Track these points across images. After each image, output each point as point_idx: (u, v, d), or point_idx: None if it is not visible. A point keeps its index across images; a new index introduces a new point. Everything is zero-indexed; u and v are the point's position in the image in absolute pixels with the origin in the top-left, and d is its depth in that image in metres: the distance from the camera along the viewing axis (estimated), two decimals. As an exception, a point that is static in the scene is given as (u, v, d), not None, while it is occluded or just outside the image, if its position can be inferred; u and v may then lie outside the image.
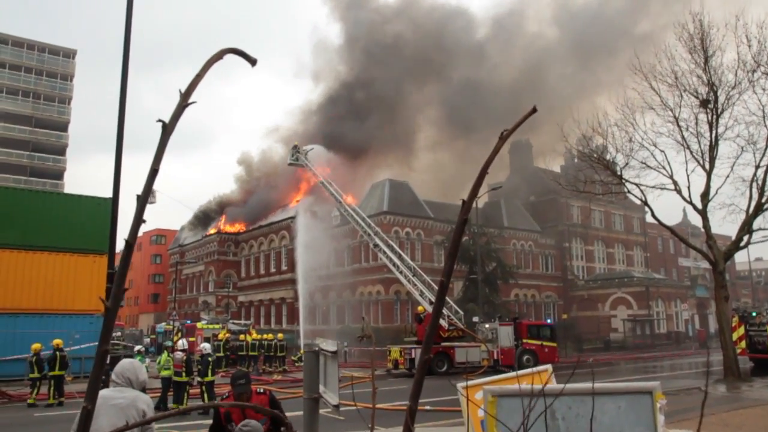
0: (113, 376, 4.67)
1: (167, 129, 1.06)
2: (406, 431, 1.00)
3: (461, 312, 32.93)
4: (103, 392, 4.63)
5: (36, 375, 17.82)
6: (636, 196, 24.68)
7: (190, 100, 1.13)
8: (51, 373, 17.98)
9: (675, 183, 22.78)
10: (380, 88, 56.34)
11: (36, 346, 18.27)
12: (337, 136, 55.14)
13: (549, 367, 5.94)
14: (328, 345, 3.06)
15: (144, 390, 4.75)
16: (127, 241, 0.99)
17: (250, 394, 5.59)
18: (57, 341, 18.83)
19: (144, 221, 1.03)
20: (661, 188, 23.36)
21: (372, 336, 2.56)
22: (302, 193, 55.81)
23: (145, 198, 1.02)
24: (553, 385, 4.78)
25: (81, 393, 12.41)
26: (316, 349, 3.14)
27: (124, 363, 4.88)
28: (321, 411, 4.96)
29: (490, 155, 1.14)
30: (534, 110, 1.13)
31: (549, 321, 43.26)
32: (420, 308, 31.24)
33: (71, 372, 21.96)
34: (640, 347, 48.17)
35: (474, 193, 1.06)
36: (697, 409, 13.68)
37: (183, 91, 1.14)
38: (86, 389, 0.92)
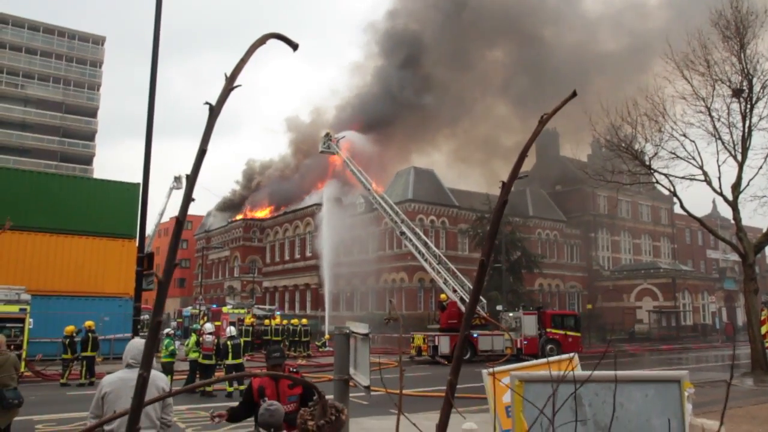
0: (128, 359, 4.78)
1: (214, 112, 1.10)
2: (446, 404, 1.03)
3: (484, 300, 32.91)
4: (119, 374, 4.76)
5: (68, 356, 18.29)
6: (665, 187, 24.33)
7: (235, 84, 1.17)
8: (83, 354, 18.44)
9: (705, 174, 22.37)
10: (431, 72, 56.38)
11: (69, 328, 18.73)
12: (373, 117, 55.40)
13: (575, 355, 5.93)
14: (360, 328, 3.10)
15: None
16: (177, 218, 1.03)
17: (284, 368, 5.67)
18: (89, 323, 19.29)
19: (193, 199, 1.07)
20: (691, 179, 22.98)
21: (399, 319, 2.59)
22: (328, 180, 56.10)
23: (194, 177, 1.06)
24: (580, 372, 4.77)
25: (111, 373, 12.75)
26: (347, 331, 3.19)
27: (137, 344, 4.98)
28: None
29: (530, 139, 1.16)
30: (574, 94, 1.14)
31: (573, 311, 43.03)
32: (443, 296, 31.28)
33: (101, 353, 22.50)
34: (666, 339, 47.61)
35: (514, 174, 1.08)
36: (723, 401, 13.53)
37: (228, 74, 1.18)
38: (142, 358, 0.96)
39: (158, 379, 4.71)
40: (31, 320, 20.22)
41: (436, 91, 59.08)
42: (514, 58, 60.16)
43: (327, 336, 33.85)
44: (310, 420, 2.59)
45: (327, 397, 2.62)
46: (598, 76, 49.53)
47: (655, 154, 23.16)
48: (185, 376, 17.97)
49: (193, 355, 17.64)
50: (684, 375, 3.61)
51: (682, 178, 23.13)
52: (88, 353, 18.62)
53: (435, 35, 59.07)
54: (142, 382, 0.96)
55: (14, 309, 19.68)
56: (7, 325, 18.44)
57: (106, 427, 4.42)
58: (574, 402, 3.66)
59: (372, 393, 13.50)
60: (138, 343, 4.95)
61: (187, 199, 1.06)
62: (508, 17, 57.20)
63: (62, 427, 11.65)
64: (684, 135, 22.66)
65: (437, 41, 58.72)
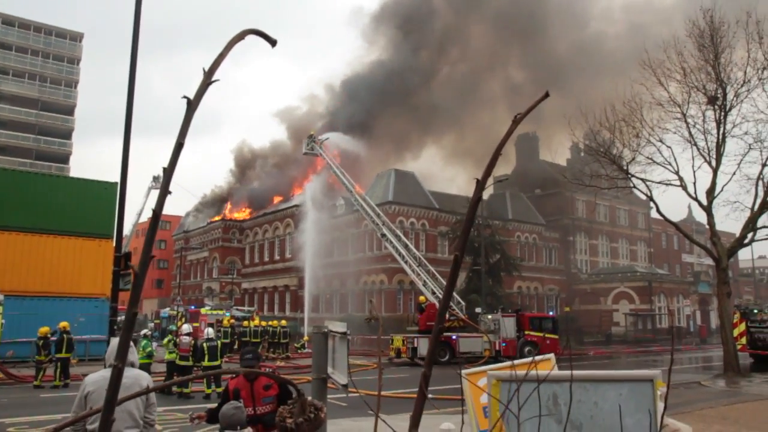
0: (110, 359, 4.76)
1: (192, 105, 1.11)
2: (420, 395, 1.05)
3: (463, 303, 33.06)
4: (102, 374, 4.74)
5: (42, 357, 17.97)
6: (642, 191, 24.66)
7: (213, 78, 1.18)
8: (57, 355, 18.14)
9: (681, 179, 22.74)
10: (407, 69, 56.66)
11: (44, 329, 18.41)
12: (355, 119, 55.49)
13: (552, 356, 6.00)
14: (338, 327, 3.11)
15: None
16: (153, 211, 1.04)
17: (259, 369, 5.65)
18: (64, 324, 18.98)
19: (170, 192, 1.08)
20: (667, 184, 23.34)
21: (379, 318, 2.62)
22: (308, 182, 56.00)
23: (171, 170, 1.07)
24: (556, 371, 4.83)
25: (87, 375, 12.58)
26: (326, 330, 3.19)
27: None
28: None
29: (503, 138, 1.18)
30: (546, 95, 1.17)
31: (551, 313, 43.38)
32: (422, 298, 31.36)
33: (76, 355, 22.15)
34: (641, 341, 48.25)
35: (488, 172, 1.10)
36: (695, 402, 13.77)
37: (206, 69, 1.19)
38: (117, 349, 0.97)
39: (142, 378, 4.69)
40: (3, 321, 19.87)
41: (421, 93, 59.35)
42: (504, 57, 60.66)
43: (306, 338, 33.73)
44: (288, 417, 2.60)
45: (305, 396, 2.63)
46: (577, 78, 50.10)
47: (633, 159, 23.47)
48: (162, 378, 17.79)
49: (170, 357, 17.48)
50: (657, 374, 3.68)
51: (659, 183, 23.50)
52: (63, 354, 18.31)
53: (424, 33, 59.40)
54: (117, 374, 0.96)
55: (-13, 309, 19.34)
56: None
57: (89, 427, 4.39)
58: (550, 401, 3.71)
59: (350, 395, 13.54)
60: None
61: (164, 191, 1.07)
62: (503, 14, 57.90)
63: (35, 430, 11.46)
64: (661, 140, 23.03)
65: (425, 39, 59.04)
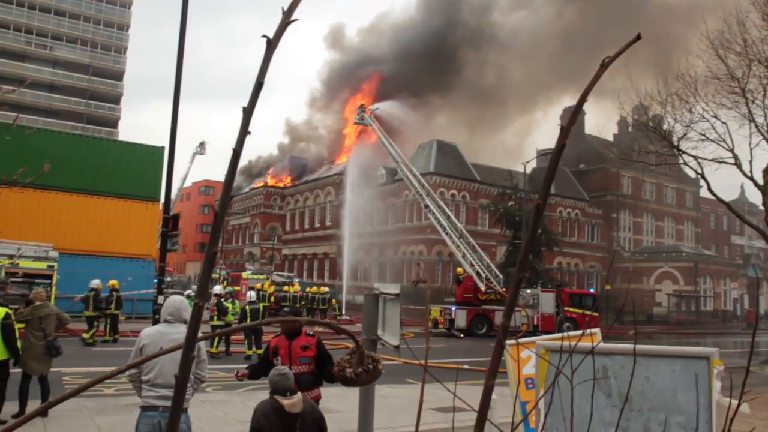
0: (165, 315, 4.91)
1: (271, 45, 1.08)
2: (497, 347, 1.02)
3: (501, 276, 32.87)
4: (157, 328, 4.89)
5: (92, 312, 18.59)
6: (692, 169, 23.82)
7: (292, 18, 1.14)
8: (107, 311, 18.80)
9: (735, 157, 21.87)
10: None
11: (95, 282, 18.99)
12: (410, 83, 55.13)
13: (597, 330, 5.91)
14: (390, 288, 3.11)
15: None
16: (234, 150, 1.02)
17: (299, 331, 5.78)
18: (113, 282, 19.64)
19: (249, 132, 1.06)
20: (720, 162, 22.46)
21: (426, 280, 2.61)
22: (351, 151, 56.06)
23: (251, 109, 1.05)
24: (608, 344, 4.74)
25: (135, 332, 13.00)
26: (377, 292, 3.19)
27: (175, 301, 5.10)
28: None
29: (590, 82, 1.12)
30: (638, 37, 1.09)
31: (592, 290, 42.82)
32: (459, 270, 31.32)
33: (124, 312, 22.91)
34: (684, 323, 47.27)
35: (573, 119, 1.05)
36: (740, 387, 13.42)
37: (285, 8, 1.16)
38: (198, 288, 0.97)
39: None
40: (58, 277, 20.66)
41: (473, 63, 58.42)
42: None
43: (334, 301, 33.98)
44: (348, 368, 2.66)
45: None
46: (629, 52, 48.35)
47: (684, 135, 22.64)
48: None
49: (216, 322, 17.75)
50: (714, 352, 3.57)
51: (711, 160, 22.61)
52: (112, 311, 18.99)
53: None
54: (198, 311, 0.95)
55: (43, 265, 20.13)
56: (36, 280, 18.84)
57: (143, 377, 4.54)
58: (599, 373, 3.64)
59: (388, 362, 13.64)
60: (175, 300, 5.08)
61: (244, 131, 1.05)
62: None
63: (89, 379, 11.96)
64: (715, 116, 22.10)
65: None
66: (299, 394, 4.55)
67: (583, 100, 1.11)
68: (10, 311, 8.40)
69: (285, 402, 4.36)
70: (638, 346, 3.82)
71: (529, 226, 1.08)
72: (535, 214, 1.05)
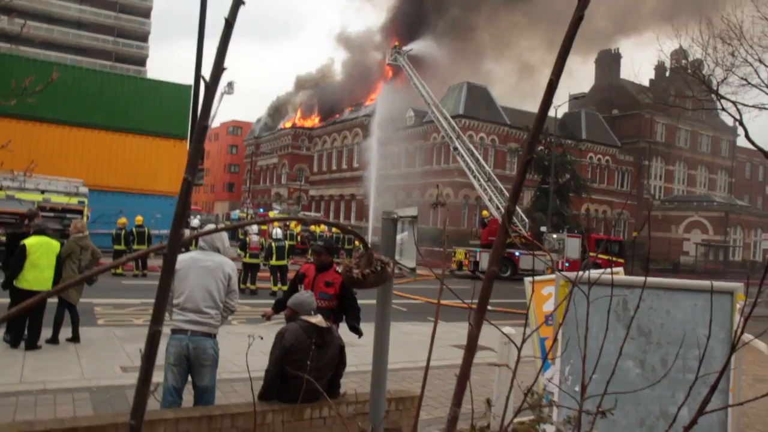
0: (200, 242, 5.00)
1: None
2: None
3: (527, 220, 32.71)
4: (192, 254, 4.98)
5: (121, 247, 19.03)
6: (731, 115, 22.97)
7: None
8: (135, 247, 19.23)
9: (777, 102, 21.01)
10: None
11: (122, 220, 19.42)
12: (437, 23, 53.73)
13: (621, 269, 5.84)
14: (408, 211, 3.06)
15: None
16: (226, 19, 0.96)
17: (330, 263, 5.86)
18: (139, 218, 20.04)
19: (243, 3, 1.00)
20: (761, 108, 21.60)
21: (445, 203, 2.54)
22: (379, 92, 55.29)
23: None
24: (629, 276, 4.69)
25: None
26: (395, 216, 3.16)
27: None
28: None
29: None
30: None
31: (619, 237, 42.42)
32: (485, 212, 31.23)
33: (154, 248, 23.35)
34: (711, 273, 46.75)
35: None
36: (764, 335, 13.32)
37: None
38: (188, 160, 0.93)
39: (226, 265, 4.97)
40: (89, 213, 21.12)
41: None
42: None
43: (356, 243, 34.27)
44: (355, 269, 2.61)
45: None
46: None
47: (725, 78, 21.74)
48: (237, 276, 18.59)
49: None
50: (738, 287, 3.49)
51: (752, 106, 21.75)
52: (143, 246, 19.41)
53: None
54: (187, 187, 0.92)
55: (73, 201, 20.58)
56: (68, 215, 19.27)
57: (175, 301, 4.67)
58: (619, 305, 3.60)
59: (410, 302, 13.82)
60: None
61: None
62: None
63: (119, 310, 12.37)
64: (760, 61, 21.13)
65: None
66: (320, 316, 4.71)
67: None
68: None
69: (313, 320, 4.56)
70: (660, 279, 3.76)
71: (541, 102, 1.02)
72: (547, 90, 0.99)
